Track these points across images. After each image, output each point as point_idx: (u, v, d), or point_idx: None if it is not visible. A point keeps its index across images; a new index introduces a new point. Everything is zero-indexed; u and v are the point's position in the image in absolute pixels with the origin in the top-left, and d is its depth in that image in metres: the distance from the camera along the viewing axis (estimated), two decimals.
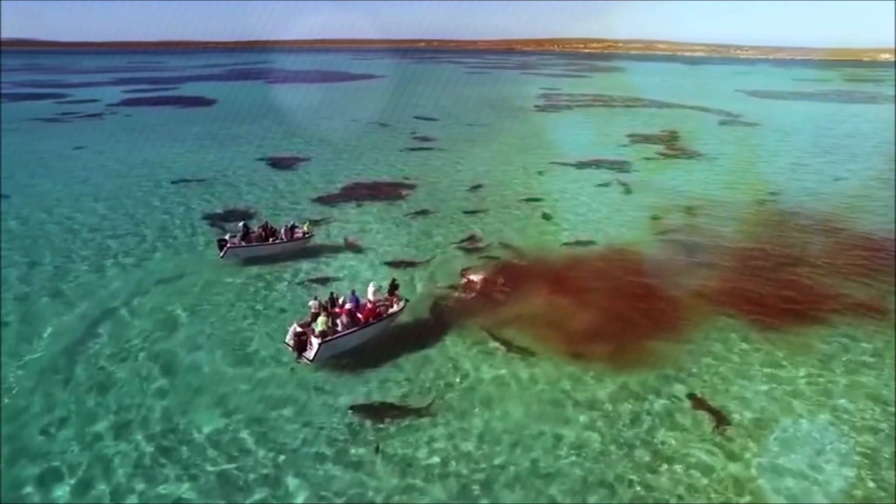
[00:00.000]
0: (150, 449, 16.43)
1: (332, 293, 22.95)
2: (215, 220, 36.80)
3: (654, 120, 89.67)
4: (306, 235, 31.36)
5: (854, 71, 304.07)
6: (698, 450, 16.81)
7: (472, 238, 33.92)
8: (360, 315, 21.66)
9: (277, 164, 54.20)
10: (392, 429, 17.45)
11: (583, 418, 18.12)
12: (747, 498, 15.24)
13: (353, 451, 16.54)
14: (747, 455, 16.66)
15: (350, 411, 18.15)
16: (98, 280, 27.52)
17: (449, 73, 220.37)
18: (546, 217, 38.59)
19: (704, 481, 15.71)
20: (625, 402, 18.90)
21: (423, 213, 39.01)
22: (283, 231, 30.75)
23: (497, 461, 16.31)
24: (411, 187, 46.11)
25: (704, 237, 35.27)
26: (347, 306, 21.65)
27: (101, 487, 15.16)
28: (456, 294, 26.59)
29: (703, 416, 18.22)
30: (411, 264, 29.75)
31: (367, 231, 35.16)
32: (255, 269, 28.64)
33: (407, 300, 23.77)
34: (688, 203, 42.25)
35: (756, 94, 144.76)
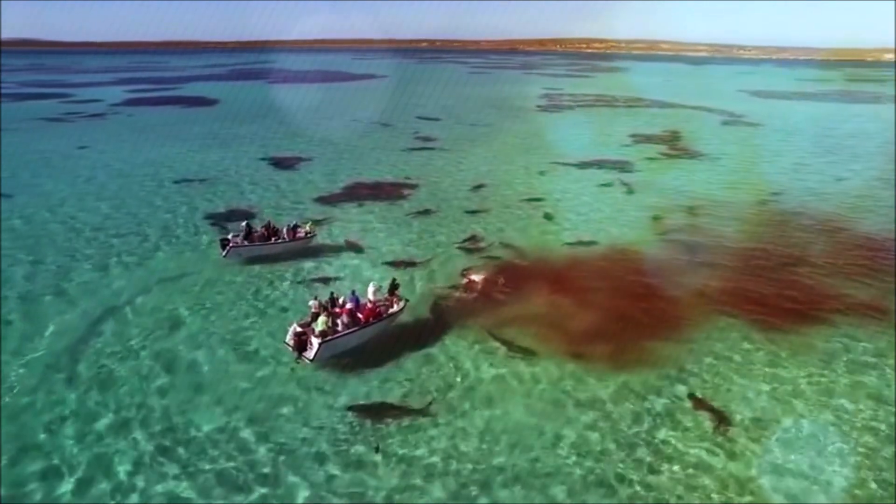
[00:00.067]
0: (150, 447, 16.48)
1: (332, 293, 22.99)
2: (218, 219, 36.89)
3: (656, 120, 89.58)
4: (308, 235, 31.42)
5: (857, 71, 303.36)
6: (699, 449, 16.81)
7: (473, 238, 33.93)
8: (360, 315, 21.68)
9: (280, 163, 54.30)
10: (392, 428, 17.48)
11: (584, 418, 18.12)
12: (748, 498, 15.23)
13: (352, 450, 16.57)
14: (748, 455, 16.65)
15: (350, 411, 18.18)
16: (101, 279, 27.61)
17: (451, 73, 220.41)
18: (548, 217, 38.59)
19: (705, 481, 15.70)
20: (626, 401, 18.90)
21: (425, 212, 39.04)
22: (285, 230, 30.81)
23: (497, 461, 16.32)
24: (413, 187, 46.15)
25: (706, 237, 35.23)
26: (348, 306, 21.66)
27: (103, 485, 15.21)
28: (457, 294, 26.60)
29: (705, 415, 18.21)
30: (412, 264, 29.79)
31: (368, 231, 35.20)
32: (257, 269, 28.71)
33: (407, 300, 23.80)
34: (690, 203, 42.21)
35: (759, 94, 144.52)
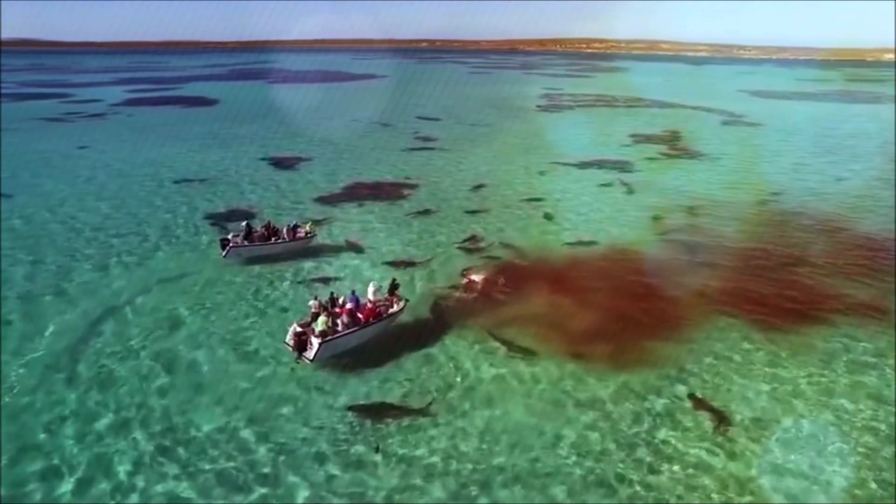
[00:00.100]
0: (150, 447, 16.48)
1: (332, 293, 22.98)
2: (218, 219, 36.90)
3: (656, 120, 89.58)
4: (308, 235, 31.42)
5: (857, 71, 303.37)
6: (699, 449, 16.80)
7: (473, 238, 33.92)
8: (360, 315, 21.68)
9: (280, 163, 54.30)
10: (392, 428, 17.47)
11: (584, 418, 18.12)
12: (748, 498, 15.22)
13: (352, 450, 16.57)
14: (748, 455, 16.64)
15: (350, 411, 18.18)
16: (101, 279, 27.61)
17: (452, 73, 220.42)
18: (548, 217, 38.58)
19: (705, 481, 15.70)
20: (626, 401, 18.89)
21: (425, 212, 39.04)
22: (285, 230, 30.81)
23: (497, 461, 16.32)
24: (413, 187, 46.15)
25: (706, 237, 35.23)
26: (348, 306, 21.65)
27: (103, 485, 15.21)
28: (457, 294, 26.60)
29: (705, 415, 18.21)
30: (413, 264, 29.78)
31: (368, 231, 35.20)
32: (257, 269, 28.71)
33: (407, 300, 23.80)
34: (690, 203, 42.21)
35: (759, 94, 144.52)
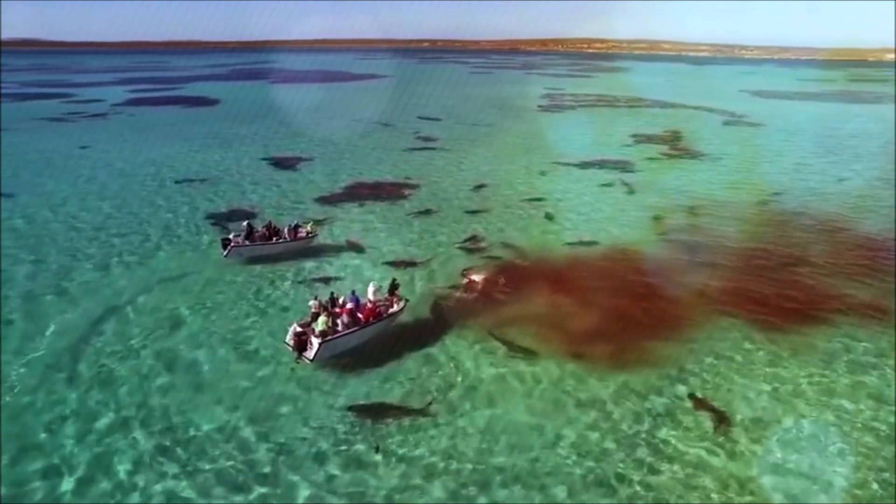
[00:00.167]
0: (151, 446, 16.51)
1: (332, 293, 22.99)
2: (219, 219, 36.95)
3: (657, 120, 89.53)
4: (310, 235, 31.45)
5: (859, 71, 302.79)
6: (700, 449, 16.80)
7: (474, 238, 33.94)
8: (360, 315, 21.69)
9: (281, 163, 54.35)
10: (392, 428, 17.49)
11: (584, 418, 18.12)
12: (748, 497, 15.22)
13: (353, 450, 16.58)
14: (749, 454, 16.64)
15: (350, 411, 18.19)
16: (102, 278, 27.67)
17: (453, 73, 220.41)
18: (548, 217, 38.58)
19: (706, 481, 15.69)
20: (626, 401, 18.89)
21: (426, 212, 39.06)
22: (286, 230, 30.85)
23: (497, 460, 16.32)
24: (414, 187, 46.18)
25: (707, 237, 35.21)
26: (348, 306, 21.66)
27: (103, 484, 15.24)
28: (457, 294, 26.61)
29: (705, 415, 18.20)
30: (413, 264, 29.80)
31: (369, 231, 35.23)
32: (258, 269, 28.74)
33: (407, 300, 23.81)
34: (691, 203, 42.19)
35: (760, 94, 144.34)
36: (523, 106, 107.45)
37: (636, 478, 15.77)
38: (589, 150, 61.61)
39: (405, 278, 27.37)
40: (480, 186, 46.22)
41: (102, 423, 17.45)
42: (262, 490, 15.18)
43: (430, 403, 18.62)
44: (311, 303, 21.89)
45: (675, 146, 66.80)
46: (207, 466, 15.87)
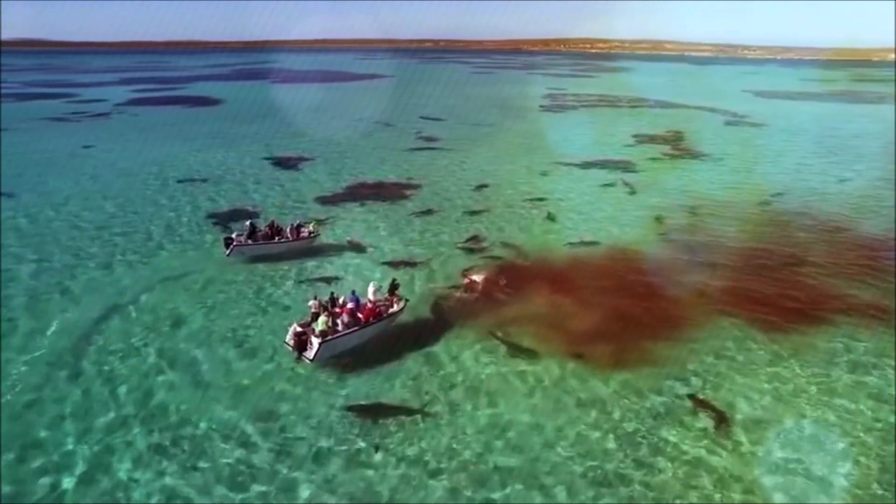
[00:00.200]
0: (152, 444, 16.58)
1: (332, 293, 23.05)
2: (222, 218, 37.06)
3: (659, 120, 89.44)
4: (312, 235, 31.53)
5: (862, 71, 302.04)
6: (700, 449, 16.82)
7: (475, 237, 33.99)
8: (360, 315, 21.72)
9: (283, 163, 54.47)
10: (392, 428, 17.54)
11: (585, 417, 18.15)
12: (749, 497, 15.24)
13: (353, 449, 16.63)
14: (749, 454, 16.66)
15: (350, 410, 18.24)
16: (105, 277, 27.78)
17: (455, 73, 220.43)
18: (550, 217, 38.61)
19: (706, 480, 15.72)
20: (627, 400, 18.92)
21: (428, 212, 39.13)
22: (288, 230, 30.94)
23: (498, 460, 16.37)
24: (416, 187, 46.25)
25: (708, 237, 35.21)
26: (348, 306, 21.69)
27: (104, 482, 15.31)
28: (458, 294, 26.65)
29: (706, 414, 18.24)
30: (415, 264, 29.86)
31: (371, 230, 35.30)
32: (260, 268, 28.84)
33: (407, 300, 23.83)
34: (692, 203, 42.18)
35: (763, 94, 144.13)
36: (525, 106, 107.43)
37: (637, 477, 15.80)
38: (590, 151, 61.60)
39: (406, 278, 27.44)
40: (482, 186, 46.28)
41: (103, 421, 17.52)
42: (262, 489, 15.24)
43: (430, 403, 18.67)
44: (311, 303, 21.94)
45: (677, 146, 66.77)
46: (208, 465, 15.95)
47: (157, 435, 16.98)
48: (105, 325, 23.04)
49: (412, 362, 20.96)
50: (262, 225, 31.48)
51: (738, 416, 18.28)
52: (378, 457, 16.35)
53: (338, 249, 31.96)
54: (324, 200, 42.07)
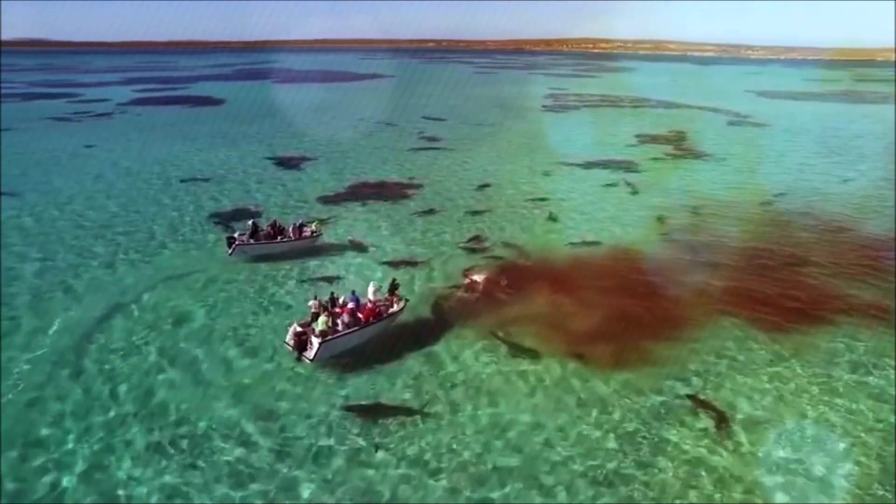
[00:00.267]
0: (153, 443, 16.64)
1: (332, 293, 23.08)
2: (224, 217, 37.15)
3: (661, 120, 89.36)
4: (314, 234, 31.59)
5: (865, 71, 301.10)
6: (701, 448, 16.83)
7: (477, 237, 34.02)
8: (360, 315, 21.74)
9: (286, 163, 54.55)
10: (392, 427, 17.57)
11: (586, 417, 18.17)
12: (749, 497, 15.25)
13: (353, 449, 16.67)
14: (750, 454, 16.66)
15: (350, 410, 18.27)
16: (108, 276, 27.87)
17: (457, 73, 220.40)
18: (552, 217, 38.60)
19: (707, 480, 15.73)
20: (628, 400, 18.93)
21: (429, 212, 39.17)
22: (291, 229, 31.00)
23: (498, 459, 16.39)
24: (418, 187, 46.29)
25: (710, 237, 35.19)
26: (349, 306, 21.70)
27: (106, 481, 15.37)
28: (459, 294, 26.68)
29: (707, 414, 18.23)
30: (416, 263, 29.90)
31: (373, 230, 35.35)
32: (262, 267, 28.91)
33: (407, 300, 23.85)
34: (694, 203, 42.15)
35: (765, 94, 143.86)
36: (527, 106, 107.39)
37: (637, 477, 15.81)
38: (593, 151, 61.58)
39: (407, 278, 27.48)
40: (484, 186, 46.30)
41: (104, 419, 17.59)
42: (263, 487, 15.29)
43: (430, 402, 18.70)
44: (311, 302, 21.96)
45: (680, 146, 66.70)
46: (208, 463, 16.00)
47: (158, 433, 17.04)
48: (107, 324, 23.13)
49: (412, 362, 20.99)
50: (264, 224, 31.54)
51: (739, 416, 18.28)
52: (378, 456, 16.39)
53: (340, 249, 32.02)
54: (326, 200, 42.13)
